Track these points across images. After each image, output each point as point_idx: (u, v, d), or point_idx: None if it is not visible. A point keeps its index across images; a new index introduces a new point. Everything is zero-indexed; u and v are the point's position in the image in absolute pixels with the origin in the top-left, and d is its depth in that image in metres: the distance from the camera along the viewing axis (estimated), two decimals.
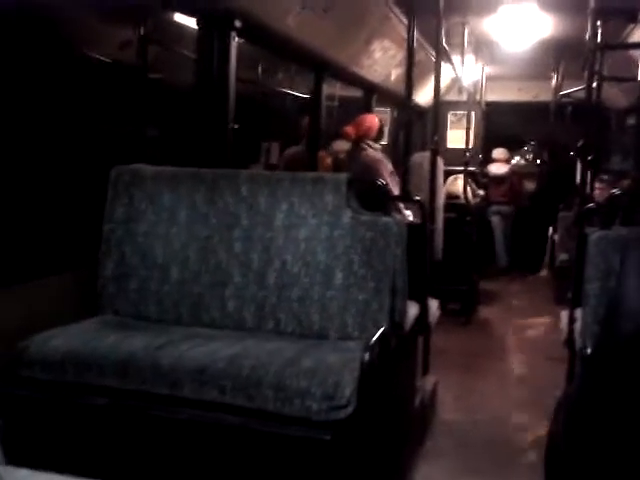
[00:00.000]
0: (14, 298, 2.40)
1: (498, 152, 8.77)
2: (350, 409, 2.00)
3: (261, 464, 2.05)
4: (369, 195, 2.79)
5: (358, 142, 4.94)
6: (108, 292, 2.70)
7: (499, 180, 8.54)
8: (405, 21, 4.15)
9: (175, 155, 4.01)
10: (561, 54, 7.11)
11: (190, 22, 3.98)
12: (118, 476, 2.08)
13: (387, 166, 4.85)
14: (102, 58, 3.68)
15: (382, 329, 2.34)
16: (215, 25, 3.51)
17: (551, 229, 7.53)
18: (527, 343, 5.44)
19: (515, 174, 8.84)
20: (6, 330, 2.27)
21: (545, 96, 8.40)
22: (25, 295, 2.45)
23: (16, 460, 1.41)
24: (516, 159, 10.42)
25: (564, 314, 3.22)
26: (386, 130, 6.87)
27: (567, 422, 1.96)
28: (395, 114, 8.41)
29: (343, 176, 2.68)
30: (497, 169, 8.63)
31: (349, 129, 5.02)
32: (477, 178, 7.88)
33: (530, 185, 9.16)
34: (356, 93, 6.75)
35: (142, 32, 4.08)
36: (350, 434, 2.01)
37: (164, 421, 2.11)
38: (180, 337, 2.36)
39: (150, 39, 4.15)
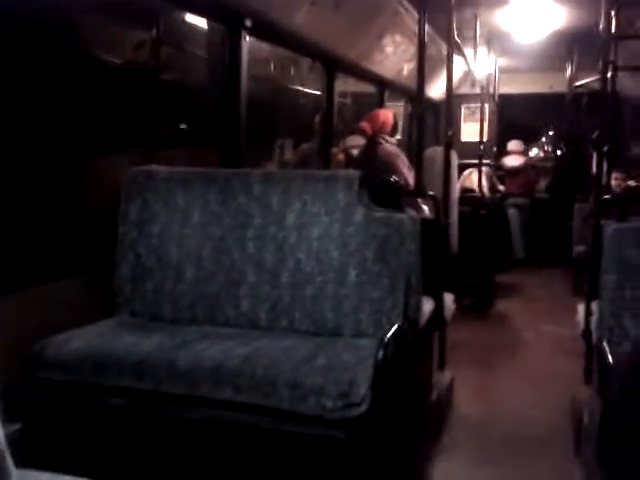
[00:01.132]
0: (31, 300, 2.42)
1: (513, 144, 8.71)
2: (365, 407, 2.00)
3: (276, 462, 2.06)
4: (383, 191, 2.79)
5: (374, 137, 4.94)
6: (124, 293, 2.72)
7: (515, 172, 8.48)
8: (416, 15, 4.13)
9: (188, 154, 4.03)
10: (575, 44, 7.03)
11: (201, 22, 4.00)
12: (136, 476, 2.10)
13: (404, 160, 4.86)
14: (115, 60, 3.71)
15: (396, 326, 2.34)
16: (226, 24, 3.52)
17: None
18: (544, 336, 5.40)
19: (531, 166, 8.77)
20: (23, 332, 2.29)
21: (559, 87, 8.33)
22: (42, 297, 2.47)
23: (36, 463, 1.43)
24: (534, 151, 10.33)
25: (580, 307, 3.20)
26: (400, 125, 6.85)
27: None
28: (409, 109, 8.38)
29: (355, 173, 2.68)
30: (512, 161, 8.56)
31: (365, 124, 5.02)
32: (494, 172, 7.83)
33: (546, 177, 9.08)
34: (369, 89, 6.74)
35: (155, 33, 4.10)
36: (365, 432, 2.01)
37: (181, 421, 2.12)
38: (195, 337, 2.37)
39: (163, 40, 4.16)
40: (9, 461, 0.86)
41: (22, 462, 1.15)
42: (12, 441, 1.28)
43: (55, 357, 2.23)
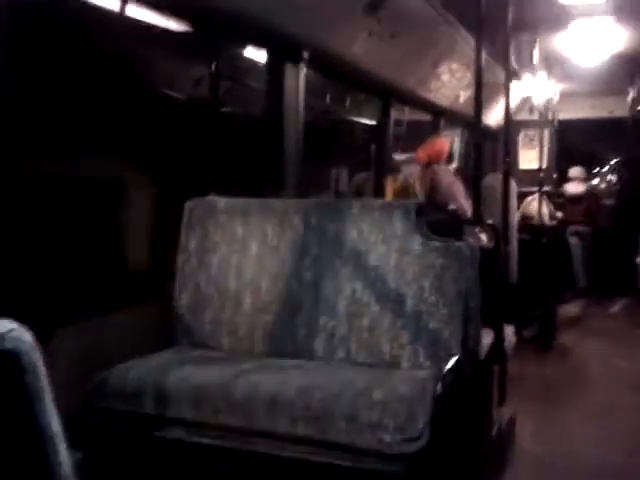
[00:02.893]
0: (92, 330, 2.47)
1: (575, 171, 8.52)
2: (423, 441, 1.96)
3: None
4: (441, 220, 2.76)
5: (429, 165, 4.92)
6: (184, 322, 2.75)
7: (576, 200, 8.29)
8: (472, 42, 4.11)
9: (247, 185, 4.09)
10: (637, 67, 6.87)
11: (259, 56, 4.07)
12: None
13: (460, 188, 4.81)
14: (178, 95, 3.82)
15: (455, 358, 2.28)
16: (284, 57, 3.58)
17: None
18: (609, 371, 5.20)
19: (593, 193, 8.56)
20: (85, 362, 2.34)
21: (621, 112, 8.13)
22: (103, 327, 2.52)
23: None
24: (595, 181, 10.05)
25: None
26: (457, 152, 6.80)
27: None
28: (465, 136, 8.32)
29: (412, 202, 2.66)
30: (574, 188, 8.37)
31: (420, 153, 5.01)
32: (553, 199, 7.67)
33: (609, 203, 8.83)
34: (424, 117, 6.72)
35: (214, 68, 4.20)
36: (424, 466, 1.97)
37: (239, 454, 2.11)
38: (253, 367, 2.37)
39: (222, 74, 4.26)
40: None
41: None
42: (74, 469, 1.30)
43: (115, 387, 2.27)
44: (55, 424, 0.85)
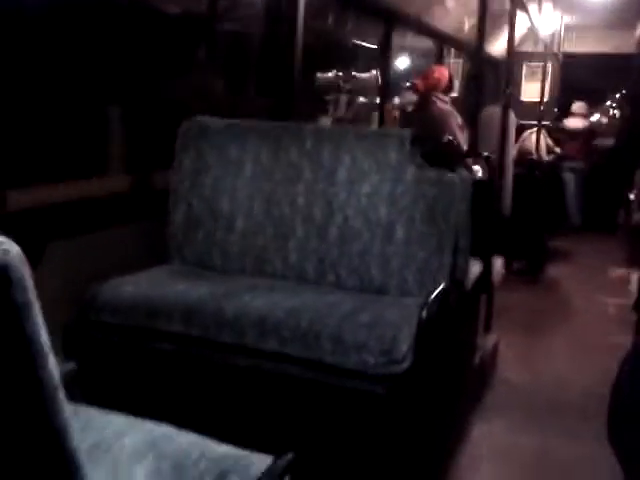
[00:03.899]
0: (86, 246, 2.50)
1: (577, 106, 8.40)
2: (406, 364, 2.02)
3: (317, 414, 2.11)
4: (435, 150, 2.75)
5: (427, 95, 4.85)
6: (176, 241, 2.78)
7: (575, 135, 8.22)
8: None
9: (243, 105, 4.04)
10: None
11: None
12: (180, 417, 2.19)
13: (456, 119, 4.76)
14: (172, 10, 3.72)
15: (441, 286, 2.33)
16: None
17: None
18: (594, 305, 5.31)
19: (593, 130, 8.48)
20: (78, 277, 2.38)
21: (628, 48, 7.97)
22: (97, 243, 2.56)
23: (89, 399, 1.50)
24: (596, 116, 9.91)
25: (634, 277, 3.13)
26: (457, 82, 6.70)
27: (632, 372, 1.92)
28: (468, 66, 8.17)
29: (407, 132, 2.65)
30: (575, 123, 8.29)
31: (417, 82, 4.92)
32: (553, 133, 7.61)
33: (607, 142, 8.76)
34: (428, 44, 6.59)
35: None
36: (406, 389, 2.04)
37: (227, 368, 2.19)
38: (243, 287, 2.42)
39: None
40: (62, 396, 0.91)
41: (76, 398, 1.21)
42: (68, 378, 1.35)
43: (108, 301, 2.32)
44: (43, 336, 0.87)
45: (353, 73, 5.91)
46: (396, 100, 5.15)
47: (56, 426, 0.90)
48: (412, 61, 7.55)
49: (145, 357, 2.28)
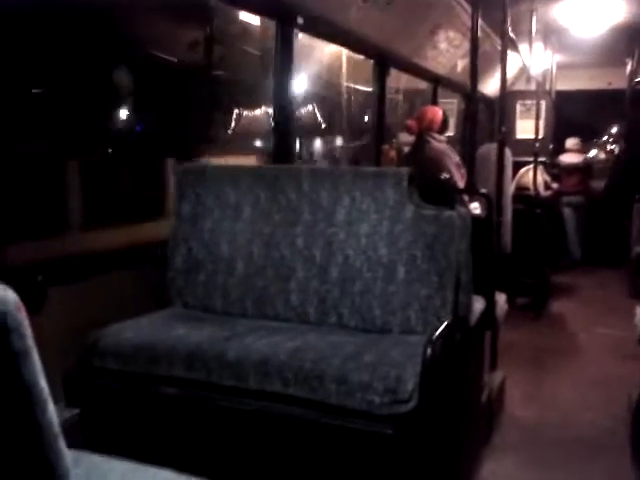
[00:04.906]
0: (87, 291, 2.50)
1: (571, 142, 8.51)
2: (412, 404, 2.00)
3: (323, 456, 2.07)
4: (433, 189, 2.77)
5: (422, 135, 4.91)
6: (177, 285, 2.78)
7: (571, 170, 8.29)
8: (470, 10, 4.08)
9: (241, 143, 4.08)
10: (636, 39, 6.82)
11: (253, 19, 4.04)
12: (185, 463, 2.15)
13: (452, 158, 4.80)
14: (170, 58, 3.80)
15: (445, 323, 2.32)
16: (278, 21, 3.55)
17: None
18: (599, 339, 5.27)
19: (588, 165, 8.56)
20: (80, 322, 2.37)
21: (619, 83, 8.09)
22: (98, 288, 2.55)
23: (92, 446, 1.48)
24: (593, 152, 9.98)
25: (639, 310, 3.12)
26: (452, 122, 6.77)
27: None
28: (462, 105, 8.29)
29: (404, 170, 2.66)
30: (570, 158, 8.37)
31: (411, 122, 4.99)
32: (549, 169, 7.67)
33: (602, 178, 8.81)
34: (421, 85, 6.69)
35: (208, 32, 4.18)
36: (412, 428, 2.01)
37: (231, 412, 2.16)
38: (245, 330, 2.41)
39: (216, 38, 4.23)
40: (62, 443, 0.89)
41: (78, 444, 1.20)
42: (71, 425, 1.34)
43: (110, 346, 2.30)
44: (42, 383, 0.86)
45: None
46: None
47: (57, 473, 0.88)
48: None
49: (147, 402, 2.26)
